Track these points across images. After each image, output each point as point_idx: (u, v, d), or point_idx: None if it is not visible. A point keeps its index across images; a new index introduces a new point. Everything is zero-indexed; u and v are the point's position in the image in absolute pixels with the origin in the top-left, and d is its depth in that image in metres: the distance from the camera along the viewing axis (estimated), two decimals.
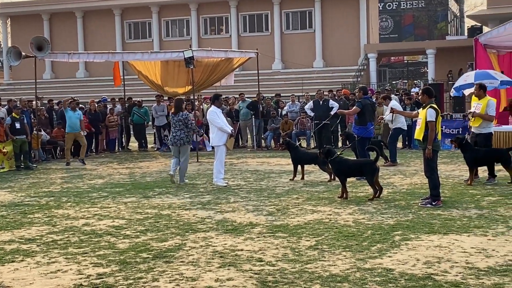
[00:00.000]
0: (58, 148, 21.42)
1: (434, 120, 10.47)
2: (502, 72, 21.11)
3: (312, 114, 21.54)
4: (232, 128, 14.43)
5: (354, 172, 11.94)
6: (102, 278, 6.75)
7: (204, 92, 26.84)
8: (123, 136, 24.36)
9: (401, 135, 19.66)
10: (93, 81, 49.35)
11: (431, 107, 10.56)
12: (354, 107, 14.84)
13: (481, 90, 13.57)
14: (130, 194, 12.76)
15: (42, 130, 20.62)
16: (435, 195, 10.53)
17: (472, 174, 12.90)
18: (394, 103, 17.86)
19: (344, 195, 11.45)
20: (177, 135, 14.38)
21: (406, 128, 18.39)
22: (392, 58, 63.93)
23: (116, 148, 23.73)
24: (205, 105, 24.22)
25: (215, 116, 13.82)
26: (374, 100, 17.90)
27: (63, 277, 6.84)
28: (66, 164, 18.64)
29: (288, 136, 22.38)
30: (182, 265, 7.14)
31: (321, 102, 20.70)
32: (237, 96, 25.74)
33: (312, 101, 21.87)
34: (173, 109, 15.01)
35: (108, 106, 24.19)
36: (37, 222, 9.97)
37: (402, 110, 17.76)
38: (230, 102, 24.58)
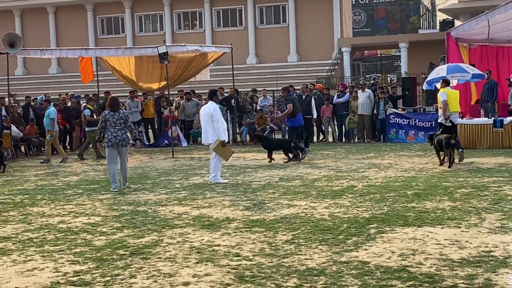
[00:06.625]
0: (32, 145, 21.33)
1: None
2: (473, 66, 21.36)
3: None
4: (225, 139, 13.29)
5: None
6: (79, 275, 6.73)
7: (179, 87, 26.80)
8: None
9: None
10: (66, 77, 49.01)
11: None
12: (288, 105, 17.17)
13: (443, 83, 15.51)
14: (105, 191, 12.70)
15: (15, 127, 20.32)
16: None
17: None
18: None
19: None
20: (118, 135, 12.71)
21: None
22: (365, 52, 64.26)
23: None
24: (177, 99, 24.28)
25: (219, 115, 13.16)
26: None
27: (40, 275, 6.81)
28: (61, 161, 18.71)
29: (264, 130, 22.32)
30: (160, 261, 7.15)
31: (304, 97, 19.81)
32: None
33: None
34: (108, 106, 12.99)
35: (82, 102, 23.95)
36: (12, 220, 9.89)
37: None
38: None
